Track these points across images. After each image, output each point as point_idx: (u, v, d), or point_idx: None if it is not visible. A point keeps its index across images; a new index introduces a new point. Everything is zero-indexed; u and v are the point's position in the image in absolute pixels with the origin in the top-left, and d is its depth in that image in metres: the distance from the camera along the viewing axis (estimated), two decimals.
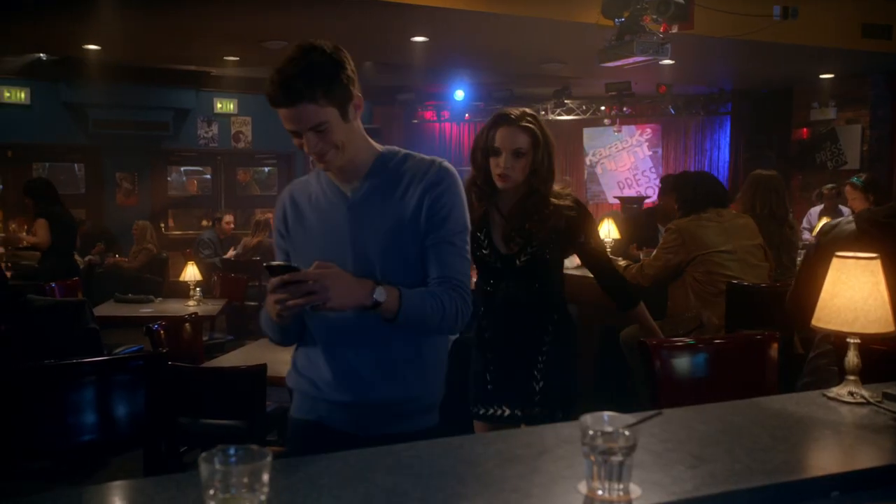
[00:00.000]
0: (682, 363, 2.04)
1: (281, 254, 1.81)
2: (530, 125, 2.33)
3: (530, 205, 2.36)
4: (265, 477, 1.03)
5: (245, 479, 1.01)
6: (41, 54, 8.54)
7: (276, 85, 1.57)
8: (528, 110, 2.39)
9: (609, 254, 4.96)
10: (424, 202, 1.68)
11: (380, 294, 1.56)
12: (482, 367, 2.48)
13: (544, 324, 2.42)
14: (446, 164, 1.73)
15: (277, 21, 6.47)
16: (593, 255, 2.54)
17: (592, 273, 2.59)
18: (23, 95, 9.40)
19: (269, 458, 1.03)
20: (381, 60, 8.59)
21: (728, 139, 10.92)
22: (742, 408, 1.66)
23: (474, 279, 2.41)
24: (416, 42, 7.19)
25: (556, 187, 2.41)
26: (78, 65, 8.39)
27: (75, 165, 10.37)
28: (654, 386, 2.00)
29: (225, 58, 8.41)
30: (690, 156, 11.33)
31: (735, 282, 3.61)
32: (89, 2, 5.59)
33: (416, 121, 11.79)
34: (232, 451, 1.04)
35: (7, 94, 9.31)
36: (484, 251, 2.42)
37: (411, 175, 1.70)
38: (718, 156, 11.10)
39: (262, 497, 1.02)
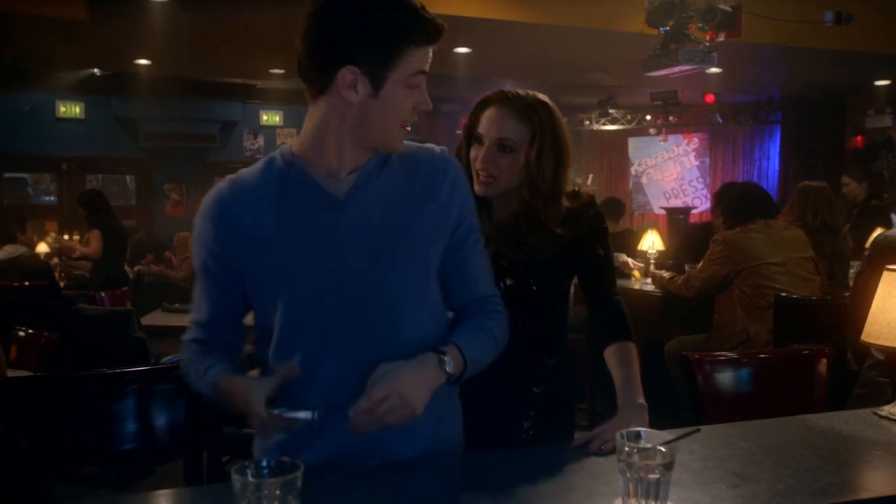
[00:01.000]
0: (726, 378, 1.99)
1: (211, 282, 1.39)
2: (535, 114, 1.66)
3: (522, 225, 1.70)
4: (297, 489, 1.03)
5: (277, 492, 1.02)
6: (95, 70, 8.79)
7: (427, 13, 1.31)
8: (538, 95, 1.70)
9: (653, 267, 4.94)
10: (454, 206, 1.41)
11: (449, 365, 1.31)
12: None
13: (532, 368, 1.76)
14: (447, 151, 1.47)
15: None
16: (597, 268, 1.77)
17: (585, 286, 1.79)
18: (77, 110, 9.68)
19: (300, 471, 1.03)
20: None
21: (778, 148, 10.70)
22: (787, 425, 1.61)
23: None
24: (459, 53, 7.21)
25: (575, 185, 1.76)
26: (129, 79, 8.62)
27: (126, 177, 10.63)
28: (697, 401, 1.95)
29: (270, 70, 8.55)
30: (739, 165, 11.12)
31: (784, 294, 3.52)
32: (140, 19, 5.74)
33: (459, 131, 11.79)
34: (264, 464, 1.04)
35: (63, 109, 9.60)
36: None
37: (425, 167, 1.41)
38: (768, 165, 10.88)
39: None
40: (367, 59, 1.27)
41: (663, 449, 1.12)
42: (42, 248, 7.23)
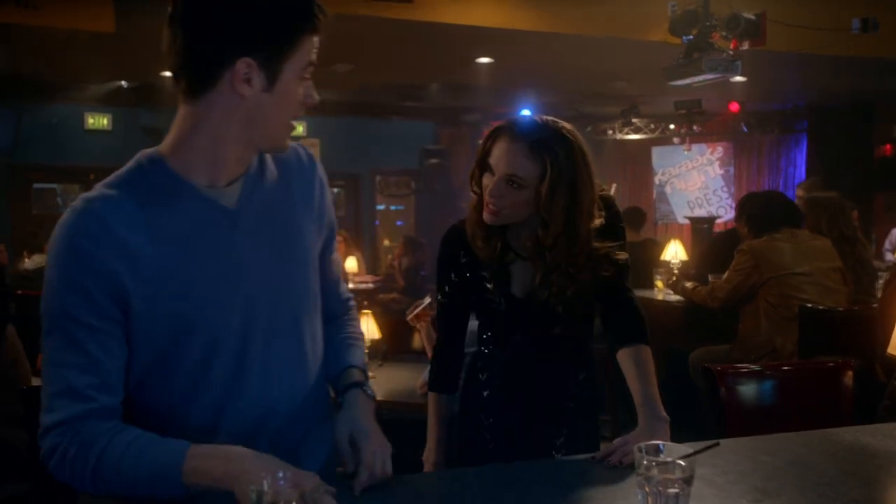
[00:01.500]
0: (749, 390, 1.96)
1: (104, 326, 1.14)
2: (542, 151, 1.54)
3: (547, 272, 1.64)
4: (315, 500, 1.03)
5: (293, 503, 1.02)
6: (122, 82, 8.91)
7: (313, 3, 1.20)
8: (558, 125, 1.59)
9: (676, 276, 4.89)
10: (325, 206, 1.38)
11: (370, 390, 1.43)
12: (472, 428, 1.79)
13: (566, 384, 1.74)
14: (306, 148, 1.43)
15: (344, 45, 6.60)
16: (613, 273, 1.68)
17: (603, 297, 1.72)
18: (105, 122, 9.82)
19: (316, 482, 1.03)
20: (446, 82, 8.66)
21: (804, 157, 10.57)
22: (812, 439, 1.58)
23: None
24: (482, 63, 7.22)
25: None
26: (156, 91, 8.73)
27: None
28: (720, 414, 1.93)
29: None
30: (764, 174, 11.01)
31: (810, 305, 3.47)
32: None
33: (481, 141, 11.81)
34: (280, 474, 1.04)
35: (91, 121, 9.74)
36: (490, 290, 1.70)
37: (296, 167, 1.35)
38: (795, 174, 10.74)
39: None
40: (264, 50, 1.16)
41: (683, 463, 1.11)
42: None
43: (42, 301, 1.16)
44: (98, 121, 9.78)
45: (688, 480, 1.11)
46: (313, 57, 1.22)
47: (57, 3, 5.02)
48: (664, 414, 1.55)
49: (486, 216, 1.61)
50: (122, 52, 6.71)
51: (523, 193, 1.57)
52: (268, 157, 1.32)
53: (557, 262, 1.60)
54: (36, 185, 9.96)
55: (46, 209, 9.99)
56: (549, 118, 1.61)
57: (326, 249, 1.43)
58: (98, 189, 1.20)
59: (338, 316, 1.51)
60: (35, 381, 2.81)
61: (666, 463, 1.12)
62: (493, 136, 1.62)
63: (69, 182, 10.23)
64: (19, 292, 5.56)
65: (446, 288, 1.77)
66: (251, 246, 1.24)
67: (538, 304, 1.65)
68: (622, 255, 1.66)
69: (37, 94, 8.81)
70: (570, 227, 1.57)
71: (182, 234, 1.19)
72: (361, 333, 1.54)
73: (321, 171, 1.41)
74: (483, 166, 1.63)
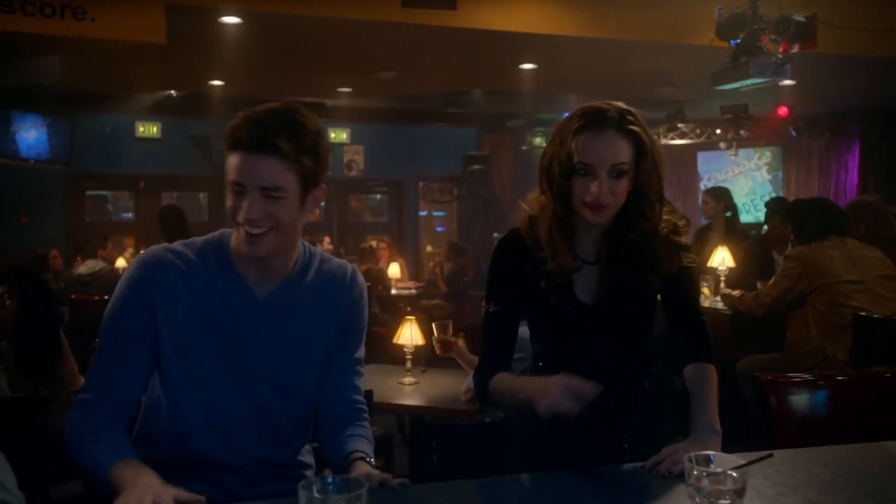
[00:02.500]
0: (801, 401, 1.92)
1: (136, 348, 1.46)
2: (634, 127, 1.54)
3: (630, 246, 1.60)
4: None
5: None
6: (172, 91, 9.11)
7: (246, 122, 1.38)
8: (620, 105, 1.57)
9: (723, 284, 4.80)
10: (347, 319, 1.60)
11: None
12: (529, 451, 1.74)
13: (634, 394, 1.71)
14: (357, 271, 1.64)
15: (389, 52, 6.65)
16: (682, 287, 1.70)
17: (667, 301, 1.72)
18: (155, 130, 10.05)
19: (366, 488, 1.04)
20: (489, 88, 8.66)
21: (857, 161, 10.31)
22: (868, 451, 1.54)
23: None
24: (525, 69, 7.21)
25: (667, 216, 1.64)
26: (204, 100, 8.91)
27: (200, 194, 10.96)
28: (770, 424, 1.89)
29: (338, 89, 8.71)
30: (814, 179, 10.76)
31: (864, 314, 3.39)
32: (214, 41, 5.94)
33: (525, 147, 11.77)
34: (329, 480, 1.05)
35: (141, 129, 9.98)
36: (558, 302, 1.65)
37: (338, 283, 1.59)
38: (846, 179, 10.49)
39: None
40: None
41: (734, 474, 1.09)
42: (121, 262, 7.50)
43: (106, 311, 1.48)
44: (148, 129, 10.01)
45: (739, 492, 1.09)
46: (233, 175, 1.39)
47: (111, 15, 5.15)
48: (717, 426, 1.53)
49: (593, 216, 1.55)
50: (173, 63, 6.87)
51: (625, 180, 1.54)
52: (314, 267, 1.56)
53: (642, 237, 1.59)
54: (89, 193, 10.23)
55: (98, 216, 10.26)
56: (604, 102, 1.58)
57: (344, 351, 1.61)
58: (177, 246, 1.50)
59: (349, 422, 1.61)
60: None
61: (717, 474, 1.10)
62: (578, 131, 1.54)
63: (119, 189, 10.50)
64: (73, 297, 5.72)
65: (502, 296, 1.68)
66: (266, 332, 1.49)
67: (610, 308, 1.63)
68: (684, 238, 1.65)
69: (90, 104, 9.05)
70: (661, 195, 1.60)
71: (215, 305, 1.46)
72: (369, 431, 1.62)
73: (360, 291, 1.62)
74: (567, 170, 1.55)
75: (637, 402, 1.70)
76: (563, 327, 1.66)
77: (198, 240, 1.53)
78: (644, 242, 1.59)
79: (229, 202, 1.40)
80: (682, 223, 1.66)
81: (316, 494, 1.02)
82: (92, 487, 1.68)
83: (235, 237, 1.46)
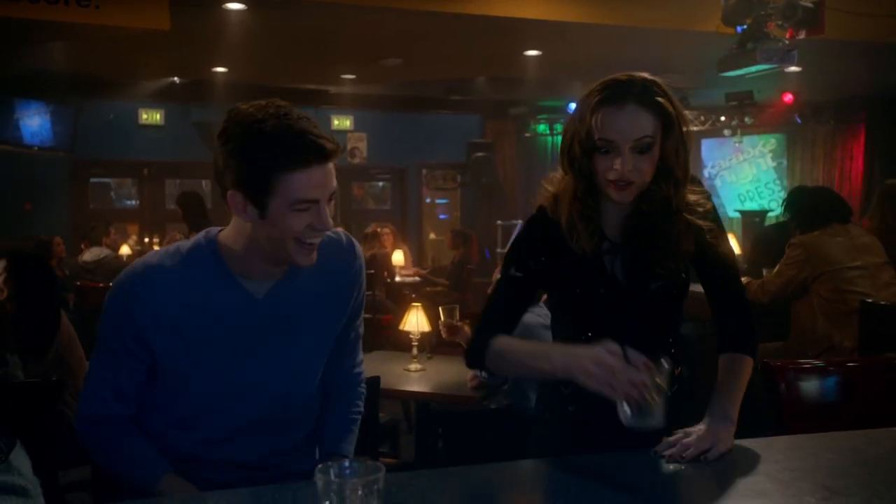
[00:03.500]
0: (811, 387, 1.92)
1: (132, 361, 1.45)
2: (658, 98, 1.44)
3: (652, 224, 1.52)
4: (378, 490, 1.04)
5: (359, 492, 1.03)
6: (175, 78, 9.09)
7: (301, 135, 1.31)
8: (644, 76, 1.47)
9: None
10: (353, 294, 1.58)
11: None
12: (554, 442, 1.64)
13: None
14: (353, 240, 1.59)
15: (393, 39, 6.63)
16: (724, 271, 1.61)
17: (708, 287, 1.63)
18: (158, 117, 10.03)
19: (382, 472, 1.04)
20: (493, 75, 8.63)
21: (862, 148, 10.27)
22: (879, 437, 1.54)
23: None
24: (529, 56, 7.18)
25: (692, 196, 1.56)
26: (207, 87, 8.88)
27: (203, 182, 10.96)
28: (779, 411, 1.89)
29: (342, 76, 8.69)
30: (819, 167, 10.72)
31: (870, 301, 3.39)
32: (218, 28, 5.92)
33: (528, 134, 11.75)
34: (346, 464, 1.05)
35: (145, 116, 9.96)
36: (577, 284, 1.57)
37: (335, 263, 1.53)
38: (851, 166, 10.44)
39: None
40: (246, 186, 1.34)
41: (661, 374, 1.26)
42: (124, 250, 7.52)
43: (98, 325, 1.48)
44: (151, 116, 9.99)
45: (658, 389, 1.22)
46: (306, 193, 1.33)
47: (115, 2, 5.14)
48: (733, 417, 1.47)
49: (618, 195, 1.48)
50: (176, 50, 6.84)
51: (650, 154, 1.45)
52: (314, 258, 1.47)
53: (660, 227, 1.50)
54: (92, 180, 10.23)
55: (102, 204, 10.27)
56: (626, 73, 1.49)
57: (349, 326, 1.62)
58: (158, 257, 1.45)
59: (347, 388, 1.68)
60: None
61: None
62: (598, 106, 1.45)
63: (123, 176, 10.50)
64: (79, 284, 5.74)
65: (528, 264, 1.57)
66: (269, 331, 1.46)
67: (639, 290, 1.54)
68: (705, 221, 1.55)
69: (94, 90, 9.03)
70: (685, 175, 1.52)
71: (212, 311, 1.43)
72: (361, 413, 1.69)
73: (359, 265, 1.59)
74: (588, 148, 1.47)
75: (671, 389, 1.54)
76: (591, 311, 1.57)
77: (182, 247, 1.47)
78: (669, 221, 1.51)
79: (293, 222, 1.34)
80: (702, 201, 1.56)
81: (333, 478, 1.03)
82: (101, 475, 1.70)
83: (279, 252, 1.40)
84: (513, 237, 1.69)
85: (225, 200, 1.39)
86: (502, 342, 1.51)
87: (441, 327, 3.37)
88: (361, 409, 1.71)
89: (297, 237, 1.36)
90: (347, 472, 1.04)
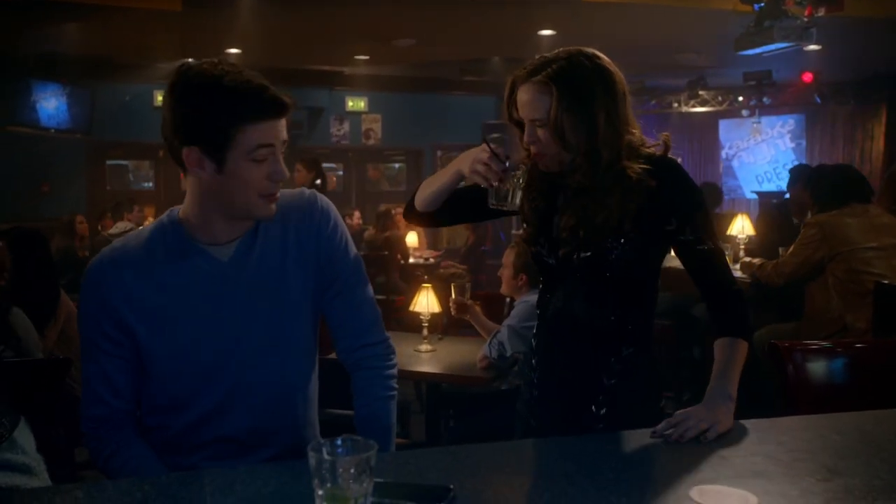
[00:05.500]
0: (818, 368, 1.90)
1: (118, 350, 1.43)
2: (548, 81, 1.52)
3: (579, 194, 1.57)
4: (371, 468, 1.04)
5: (352, 470, 1.03)
6: (190, 60, 9.08)
7: (259, 91, 1.34)
8: (569, 51, 1.56)
9: (742, 253, 4.75)
10: (322, 247, 1.52)
11: None
12: (525, 405, 1.77)
13: (605, 357, 1.63)
14: (315, 193, 1.56)
15: (406, 19, 6.59)
16: (701, 254, 1.59)
17: (697, 280, 1.64)
18: None
19: (374, 450, 1.04)
20: (508, 55, 8.56)
21: (883, 128, 10.11)
22: (885, 418, 1.52)
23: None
24: (544, 35, 7.11)
25: (648, 149, 1.59)
26: None
27: None
28: (786, 392, 1.87)
29: (356, 57, 8.66)
30: (838, 147, 10.58)
31: (886, 282, 3.34)
32: (231, 8, 5.91)
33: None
34: (339, 442, 1.05)
35: (160, 98, 9.91)
36: (540, 246, 1.68)
37: (295, 215, 1.51)
38: (871, 147, 10.29)
39: (369, 487, 1.04)
40: (203, 141, 1.35)
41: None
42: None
43: (77, 324, 1.48)
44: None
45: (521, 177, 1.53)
46: (266, 140, 1.35)
47: None
48: (732, 395, 1.48)
49: (539, 164, 1.59)
50: (189, 31, 6.85)
51: (547, 129, 1.54)
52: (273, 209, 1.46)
53: (582, 186, 1.56)
54: (109, 162, 10.30)
55: (120, 186, 10.34)
56: (560, 49, 1.57)
57: (331, 291, 1.54)
58: (123, 241, 1.48)
59: (375, 363, 1.60)
60: None
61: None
62: (511, 89, 1.60)
63: (140, 158, 10.55)
64: None
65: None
66: (239, 292, 1.44)
67: (575, 253, 1.60)
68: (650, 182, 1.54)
69: (109, 73, 9.07)
70: (592, 151, 1.53)
71: (182, 283, 1.43)
72: (386, 396, 1.60)
73: (321, 215, 1.54)
74: (517, 123, 1.63)
75: (611, 369, 1.62)
76: (545, 270, 1.69)
77: (146, 228, 1.50)
78: (597, 191, 1.55)
79: (252, 172, 1.36)
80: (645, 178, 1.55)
81: (326, 456, 1.03)
82: None
83: (239, 209, 1.41)
84: None
85: (176, 160, 1.40)
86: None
87: (451, 304, 3.38)
88: (385, 392, 1.60)
89: (257, 188, 1.38)
90: (340, 450, 1.04)
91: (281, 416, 1.52)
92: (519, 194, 1.55)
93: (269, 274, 1.47)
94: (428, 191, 1.72)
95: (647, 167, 1.55)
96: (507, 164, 1.53)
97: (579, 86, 1.52)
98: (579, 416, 1.64)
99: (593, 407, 1.64)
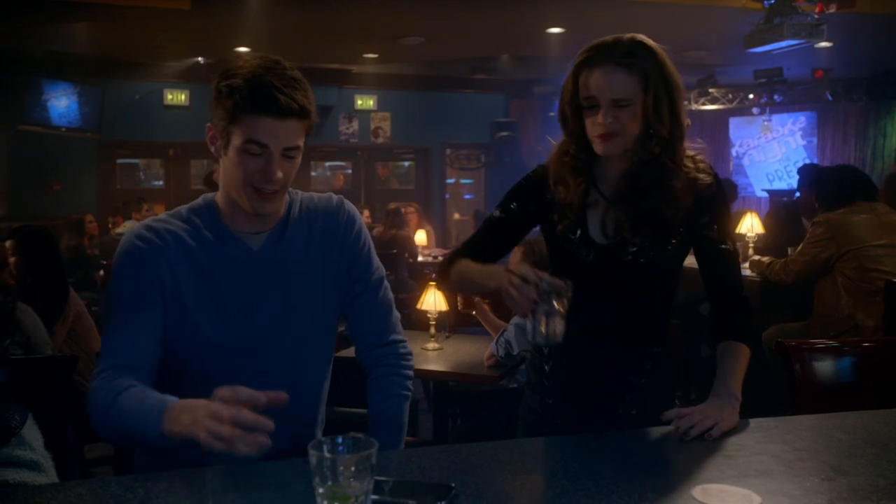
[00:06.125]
0: (825, 367, 1.89)
1: (149, 310, 1.43)
2: (639, 59, 1.51)
3: (647, 178, 1.54)
4: (372, 465, 1.04)
5: (353, 468, 1.03)
6: (199, 59, 9.13)
7: (261, 85, 1.37)
8: (635, 37, 1.54)
9: (752, 251, 4.72)
10: (346, 248, 1.57)
11: None
12: (534, 413, 1.73)
13: (636, 356, 1.64)
14: (342, 199, 1.61)
15: (414, 17, 6.59)
16: (721, 254, 1.61)
17: (708, 280, 1.65)
18: (183, 97, 10.09)
19: (375, 448, 1.04)
20: (517, 53, 8.56)
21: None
22: (891, 417, 1.51)
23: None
24: (553, 33, 7.10)
25: (690, 151, 1.61)
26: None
27: None
28: (793, 391, 1.86)
29: (365, 55, 8.66)
30: (850, 145, 10.51)
31: (895, 280, 3.32)
32: (239, 6, 5.93)
33: (552, 113, 11.61)
34: (340, 441, 1.05)
35: (170, 97, 10.04)
36: (572, 240, 1.61)
37: (322, 218, 1.56)
38: (884, 144, 10.21)
39: (369, 486, 1.04)
40: (215, 118, 1.43)
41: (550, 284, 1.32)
42: None
43: (110, 284, 1.50)
44: (177, 97, 10.06)
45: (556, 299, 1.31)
46: (255, 136, 1.38)
47: None
48: (737, 395, 1.49)
49: (602, 148, 1.53)
50: (199, 29, 6.88)
51: (631, 110, 1.50)
52: (301, 207, 1.56)
53: (653, 180, 1.53)
54: (119, 161, 10.35)
55: (131, 184, 10.39)
56: (615, 35, 1.55)
57: (351, 292, 1.59)
58: (164, 216, 1.52)
59: (392, 361, 1.63)
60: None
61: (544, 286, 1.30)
62: (581, 68, 1.54)
63: (150, 157, 10.60)
64: (104, 262, 5.83)
65: (509, 206, 1.67)
66: (265, 281, 1.49)
67: (621, 250, 1.56)
68: (706, 178, 1.59)
69: (120, 72, 9.11)
70: (675, 128, 1.53)
71: (212, 265, 1.47)
72: (399, 395, 1.63)
73: (349, 219, 1.59)
74: (576, 106, 1.56)
75: (644, 369, 1.63)
76: (575, 270, 1.58)
77: (183, 208, 1.53)
78: (661, 178, 1.53)
79: (245, 163, 1.40)
80: (703, 167, 1.60)
81: (326, 455, 1.03)
82: (123, 449, 1.69)
83: (236, 197, 1.45)
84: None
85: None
86: (464, 262, 1.65)
87: (458, 299, 3.38)
88: (400, 391, 1.63)
89: (248, 180, 1.41)
90: (340, 448, 1.04)
91: (291, 410, 1.47)
92: (560, 326, 1.36)
93: (294, 269, 1.51)
94: (467, 281, 1.64)
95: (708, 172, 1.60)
96: (544, 283, 1.35)
97: (660, 64, 1.52)
98: (605, 419, 1.60)
99: (620, 409, 1.63)
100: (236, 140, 1.40)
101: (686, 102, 1.58)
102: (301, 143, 1.43)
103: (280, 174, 1.41)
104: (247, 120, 1.38)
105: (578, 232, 1.60)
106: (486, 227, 1.71)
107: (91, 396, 1.38)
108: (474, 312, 3.41)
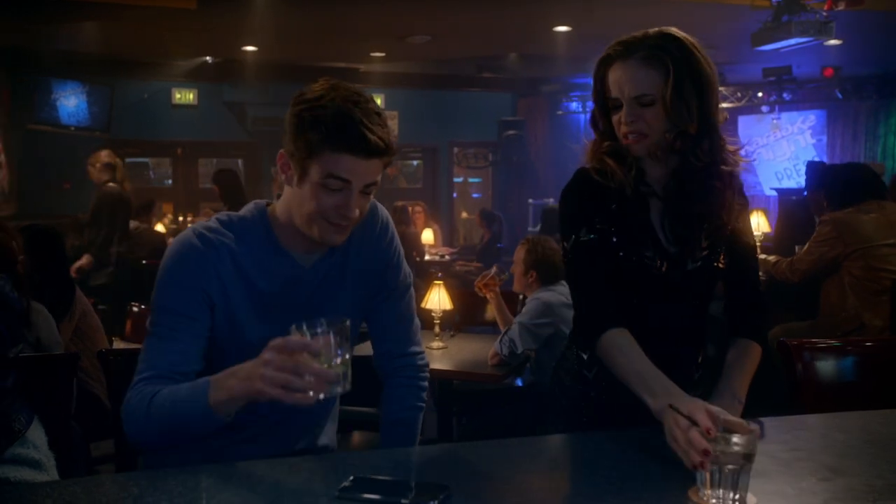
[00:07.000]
0: (828, 367, 1.88)
1: (190, 321, 1.40)
2: (657, 54, 1.44)
3: (686, 179, 1.49)
4: (347, 336, 1.21)
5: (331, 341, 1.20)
6: (207, 58, 9.16)
7: (350, 122, 1.34)
8: (662, 30, 1.48)
9: (759, 251, 4.69)
10: (380, 254, 1.58)
11: None
12: (567, 419, 1.65)
13: (693, 356, 1.64)
14: (376, 204, 1.58)
15: (421, 16, 6.59)
16: (745, 249, 1.59)
17: (729, 275, 1.61)
18: (191, 97, 10.13)
19: (349, 322, 1.22)
20: (524, 52, 8.54)
21: None
22: (890, 417, 1.51)
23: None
24: (560, 32, 7.09)
25: (729, 147, 1.53)
26: (238, 66, 8.94)
27: (238, 161, 11.07)
28: (795, 391, 1.85)
29: (372, 54, 8.67)
30: (860, 143, 10.43)
31: None
32: (246, 6, 5.94)
33: (560, 112, 11.63)
34: (318, 322, 1.19)
35: (178, 96, 10.07)
36: (645, 254, 1.52)
37: (358, 228, 1.51)
38: (894, 142, 10.14)
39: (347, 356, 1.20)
40: (291, 147, 1.39)
41: (741, 439, 1.07)
42: (159, 228, 7.63)
43: (153, 294, 1.44)
44: (185, 96, 10.09)
45: (748, 457, 1.07)
46: (338, 172, 1.36)
47: None
48: (741, 397, 1.48)
49: (632, 148, 1.48)
50: (206, 29, 6.90)
51: (656, 108, 1.44)
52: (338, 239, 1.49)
53: (692, 181, 1.48)
54: (128, 160, 10.37)
55: (140, 183, 10.42)
56: (644, 31, 1.49)
57: (377, 298, 1.60)
58: (215, 223, 1.48)
59: (411, 373, 1.65)
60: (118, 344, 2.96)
61: (727, 438, 1.09)
62: (603, 66, 1.50)
63: (159, 156, 10.64)
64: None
65: (594, 222, 1.51)
66: (313, 297, 1.49)
67: (693, 259, 1.52)
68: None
69: (128, 71, 9.15)
70: (705, 120, 1.46)
71: (264, 281, 1.45)
72: (414, 406, 1.65)
73: (382, 225, 1.59)
74: (604, 105, 1.52)
75: (692, 380, 1.61)
76: (642, 279, 1.52)
77: (234, 216, 1.50)
78: (703, 175, 1.48)
79: (321, 197, 1.37)
80: (731, 159, 1.53)
81: (305, 331, 1.18)
82: (130, 446, 1.67)
83: (303, 225, 1.43)
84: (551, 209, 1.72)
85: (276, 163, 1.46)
86: (616, 345, 1.43)
87: (482, 277, 3.44)
88: (416, 402, 1.65)
89: (323, 214, 1.39)
90: (319, 329, 1.18)
91: (312, 407, 1.43)
92: (750, 498, 1.10)
93: (338, 281, 1.52)
94: (615, 371, 1.42)
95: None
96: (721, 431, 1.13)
97: (688, 57, 1.45)
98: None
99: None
100: (315, 174, 1.37)
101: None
102: (380, 178, 1.41)
103: (357, 212, 1.40)
104: (332, 155, 1.35)
105: (645, 238, 1.53)
106: (587, 256, 1.51)
107: (126, 406, 1.37)
108: (490, 296, 3.44)
